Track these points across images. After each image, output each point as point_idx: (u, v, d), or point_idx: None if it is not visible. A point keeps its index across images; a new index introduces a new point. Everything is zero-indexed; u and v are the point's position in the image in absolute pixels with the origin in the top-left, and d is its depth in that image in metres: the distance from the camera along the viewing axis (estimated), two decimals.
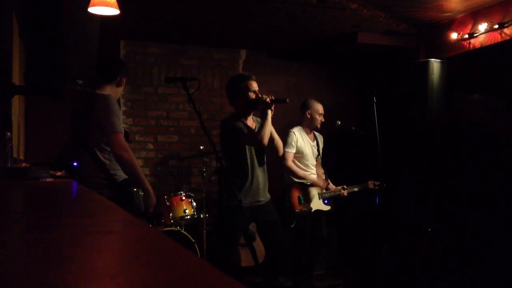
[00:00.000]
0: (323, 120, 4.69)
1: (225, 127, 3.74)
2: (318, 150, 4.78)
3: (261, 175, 3.80)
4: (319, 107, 4.66)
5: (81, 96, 3.28)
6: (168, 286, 0.48)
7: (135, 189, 3.12)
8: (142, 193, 3.14)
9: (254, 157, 3.76)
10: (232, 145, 3.68)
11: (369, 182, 4.72)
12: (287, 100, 3.59)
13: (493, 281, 0.90)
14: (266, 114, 3.58)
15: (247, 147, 3.71)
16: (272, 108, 3.61)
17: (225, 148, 3.75)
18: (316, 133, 4.81)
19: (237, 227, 3.72)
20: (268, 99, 3.58)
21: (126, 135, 4.81)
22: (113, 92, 3.27)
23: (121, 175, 3.12)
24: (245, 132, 3.67)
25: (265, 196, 3.83)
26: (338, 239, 5.51)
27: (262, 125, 3.60)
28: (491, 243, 0.94)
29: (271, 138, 3.69)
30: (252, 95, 3.68)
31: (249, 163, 3.73)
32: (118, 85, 3.30)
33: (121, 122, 3.11)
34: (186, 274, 0.54)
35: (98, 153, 3.08)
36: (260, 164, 3.81)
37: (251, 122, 3.90)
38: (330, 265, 5.38)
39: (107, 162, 3.09)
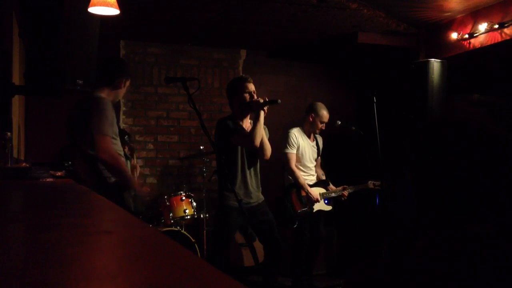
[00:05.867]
0: (323, 128, 4.67)
1: (219, 125, 3.76)
2: (318, 151, 4.78)
3: (251, 177, 3.79)
4: (324, 114, 4.62)
5: (78, 98, 3.26)
6: (168, 286, 0.48)
7: (126, 193, 3.10)
8: (133, 193, 3.13)
9: (245, 158, 3.76)
10: (224, 144, 3.69)
11: (369, 182, 4.72)
12: (279, 101, 3.59)
13: (494, 281, 0.90)
14: (259, 115, 3.59)
15: (239, 148, 3.72)
16: (265, 109, 3.61)
17: (218, 147, 3.74)
18: (316, 134, 4.80)
19: (229, 226, 3.72)
20: (261, 100, 3.59)
21: (123, 134, 4.83)
22: (112, 94, 3.23)
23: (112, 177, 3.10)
24: (237, 131, 3.67)
25: (257, 197, 3.82)
26: (338, 239, 5.51)
27: (254, 126, 3.60)
28: (491, 243, 0.94)
29: (261, 141, 3.66)
30: (247, 96, 3.70)
31: (239, 164, 3.73)
32: (116, 87, 3.24)
33: (112, 127, 3.05)
34: (186, 274, 0.54)
35: (92, 155, 3.05)
36: (251, 166, 3.79)
37: (248, 125, 3.91)
38: (330, 265, 5.38)
39: (99, 164, 3.07)
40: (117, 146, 3.14)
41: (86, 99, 3.14)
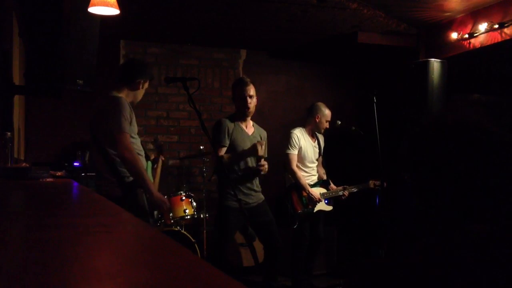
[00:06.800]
0: (328, 126, 4.71)
1: (215, 126, 3.80)
2: (319, 150, 4.78)
3: (251, 177, 3.80)
4: (328, 114, 4.68)
5: (102, 98, 3.34)
6: (168, 286, 0.48)
7: (140, 190, 3.15)
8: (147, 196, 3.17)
9: (246, 158, 3.77)
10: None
11: (370, 181, 4.73)
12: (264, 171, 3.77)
13: (493, 281, 0.90)
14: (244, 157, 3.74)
15: (238, 148, 3.74)
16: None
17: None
18: (317, 134, 4.81)
19: (229, 226, 3.73)
20: (261, 155, 3.71)
21: (160, 148, 4.86)
22: (130, 95, 3.32)
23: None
24: (219, 147, 3.69)
25: (257, 198, 3.83)
26: (338, 239, 5.51)
27: (234, 157, 3.68)
28: (491, 243, 0.94)
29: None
30: (247, 99, 3.77)
31: (239, 164, 3.75)
32: (134, 88, 3.33)
33: (129, 124, 3.15)
34: (186, 274, 0.54)
35: (111, 153, 3.12)
36: (251, 166, 3.80)
37: (250, 125, 3.92)
38: (330, 265, 5.38)
39: (119, 162, 3.13)
40: (136, 146, 3.21)
41: (105, 99, 3.24)
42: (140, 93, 3.41)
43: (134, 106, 3.38)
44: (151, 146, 5.71)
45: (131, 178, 3.15)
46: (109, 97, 3.20)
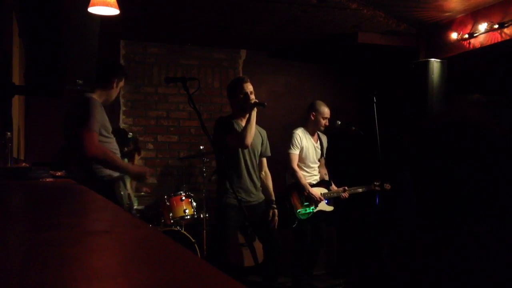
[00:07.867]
0: (327, 124, 4.69)
1: (217, 124, 3.80)
2: (322, 151, 4.78)
3: (252, 176, 3.80)
4: (325, 111, 4.65)
5: (73, 99, 3.32)
6: (168, 286, 0.48)
7: (116, 185, 3.14)
8: (126, 188, 3.16)
9: (246, 157, 3.77)
10: (223, 143, 3.72)
11: (374, 183, 4.72)
12: (265, 103, 3.65)
13: (493, 281, 0.90)
14: (250, 115, 3.64)
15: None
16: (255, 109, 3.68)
17: (218, 146, 3.75)
18: (320, 134, 4.81)
19: (228, 224, 3.72)
20: (252, 101, 3.63)
21: (135, 142, 4.85)
22: (103, 95, 3.30)
23: (106, 172, 3.13)
24: (232, 132, 3.70)
25: (257, 196, 3.83)
26: (338, 239, 5.51)
27: (245, 126, 3.65)
28: (491, 243, 0.94)
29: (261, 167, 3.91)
30: (242, 97, 3.74)
31: (240, 163, 3.75)
32: (108, 88, 3.31)
33: (102, 125, 3.11)
34: (186, 274, 0.54)
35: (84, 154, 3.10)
36: (252, 165, 3.81)
37: None
38: (330, 265, 5.38)
39: (93, 163, 3.11)
40: (111, 145, 3.20)
41: (77, 100, 3.21)
42: (114, 92, 3.39)
43: (108, 105, 3.37)
44: (151, 146, 5.71)
45: (104, 174, 3.14)
46: (81, 98, 3.17)
